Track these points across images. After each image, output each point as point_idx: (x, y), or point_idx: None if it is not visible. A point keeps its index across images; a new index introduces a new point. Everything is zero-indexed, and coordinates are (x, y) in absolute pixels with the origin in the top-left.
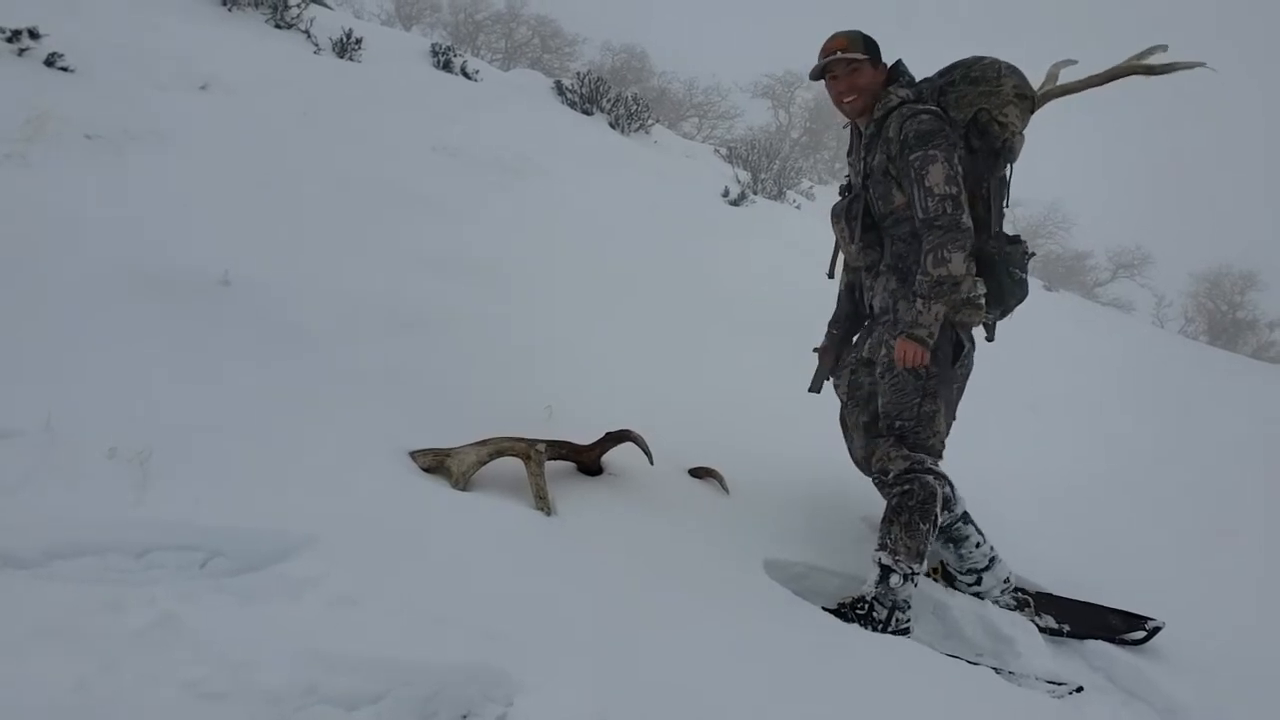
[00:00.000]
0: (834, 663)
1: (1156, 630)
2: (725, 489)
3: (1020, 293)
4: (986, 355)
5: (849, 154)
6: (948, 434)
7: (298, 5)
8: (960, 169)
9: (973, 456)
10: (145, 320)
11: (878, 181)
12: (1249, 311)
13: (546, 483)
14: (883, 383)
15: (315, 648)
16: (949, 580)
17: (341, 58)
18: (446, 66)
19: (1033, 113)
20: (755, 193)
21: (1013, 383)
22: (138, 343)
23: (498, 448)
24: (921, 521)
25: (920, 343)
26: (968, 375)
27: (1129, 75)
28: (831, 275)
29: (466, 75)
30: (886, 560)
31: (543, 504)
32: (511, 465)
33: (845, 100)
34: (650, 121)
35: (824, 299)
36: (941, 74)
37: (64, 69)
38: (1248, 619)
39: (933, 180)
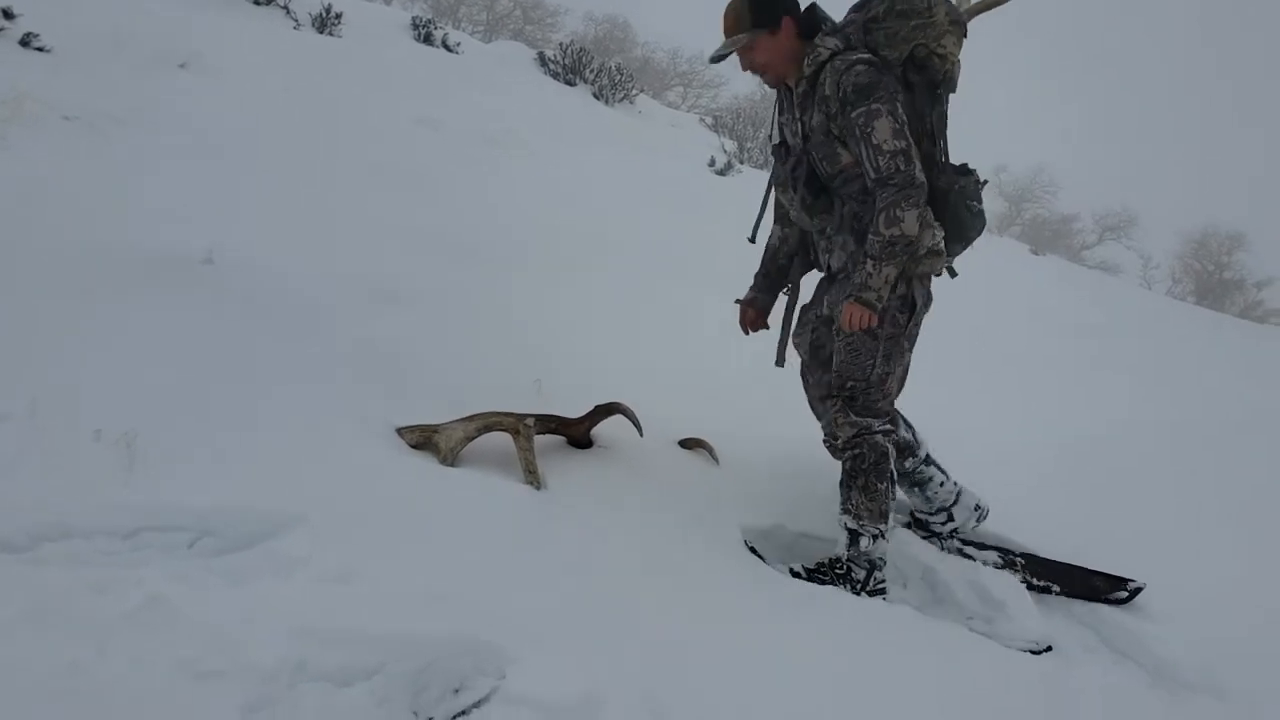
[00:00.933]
0: (822, 635)
1: (1138, 591)
2: (715, 459)
3: (979, 224)
4: (973, 319)
5: (780, 114)
6: (899, 394)
7: None
8: (905, 118)
9: (958, 419)
10: (128, 301)
11: (820, 143)
12: (1236, 271)
13: (536, 457)
14: (838, 341)
15: (307, 625)
16: (922, 526)
17: (321, 33)
18: (428, 40)
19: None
20: (742, 162)
21: (998, 346)
22: (121, 324)
23: (486, 422)
24: (878, 481)
25: (868, 306)
26: (916, 338)
27: None
28: (754, 240)
29: (448, 48)
30: (852, 524)
31: (532, 478)
32: (500, 440)
33: (759, 76)
34: (634, 92)
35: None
36: (859, 7)
37: (40, 49)
38: (1237, 578)
39: (880, 136)
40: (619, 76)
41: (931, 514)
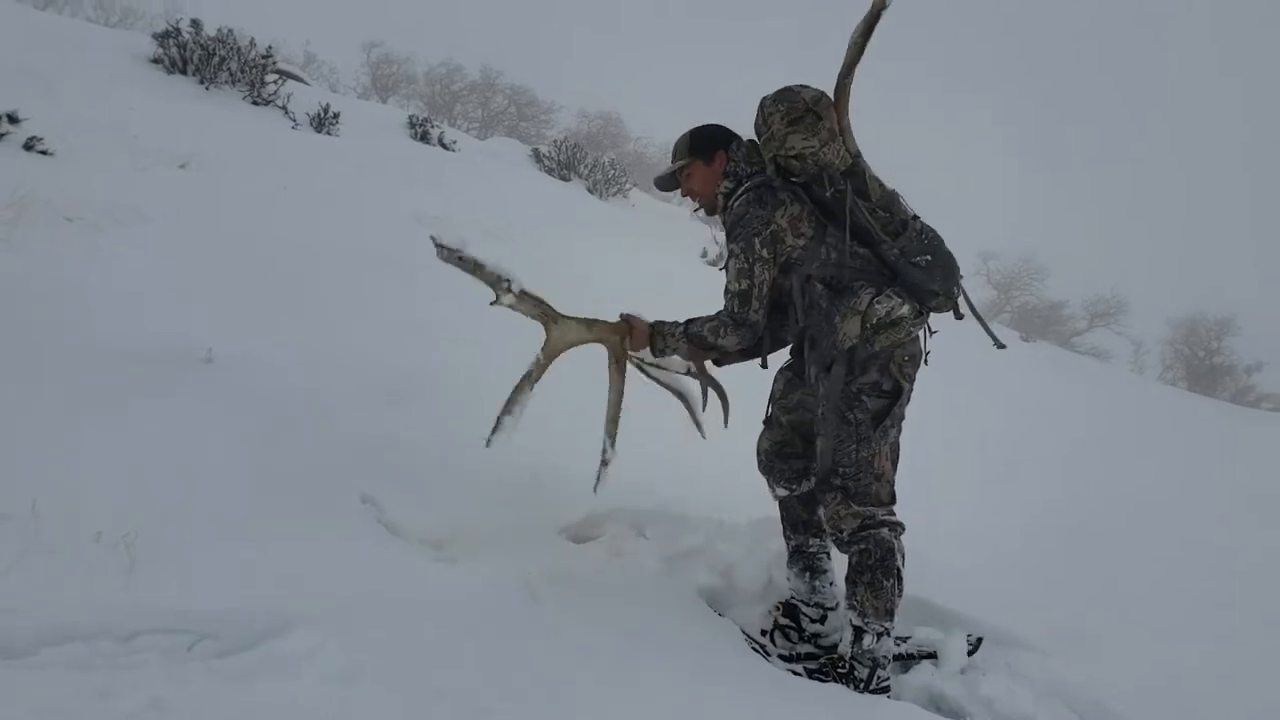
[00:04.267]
0: None
1: (980, 641)
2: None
3: (939, 274)
4: (964, 407)
5: None
6: (895, 471)
7: (274, 82)
8: (760, 252)
9: (948, 507)
10: (130, 400)
11: None
12: (1226, 357)
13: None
14: (824, 426)
15: None
16: (792, 614)
17: (319, 132)
18: (424, 137)
19: (826, 114)
20: None
21: (992, 434)
22: (123, 423)
23: (599, 335)
24: (885, 578)
25: (650, 338)
26: (900, 419)
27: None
28: (765, 365)
29: (444, 145)
30: (857, 621)
31: (613, 429)
32: (503, 533)
33: (693, 207)
34: (628, 185)
35: None
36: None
37: (44, 152)
38: (1208, 657)
39: (729, 276)
40: (612, 171)
41: (809, 605)
